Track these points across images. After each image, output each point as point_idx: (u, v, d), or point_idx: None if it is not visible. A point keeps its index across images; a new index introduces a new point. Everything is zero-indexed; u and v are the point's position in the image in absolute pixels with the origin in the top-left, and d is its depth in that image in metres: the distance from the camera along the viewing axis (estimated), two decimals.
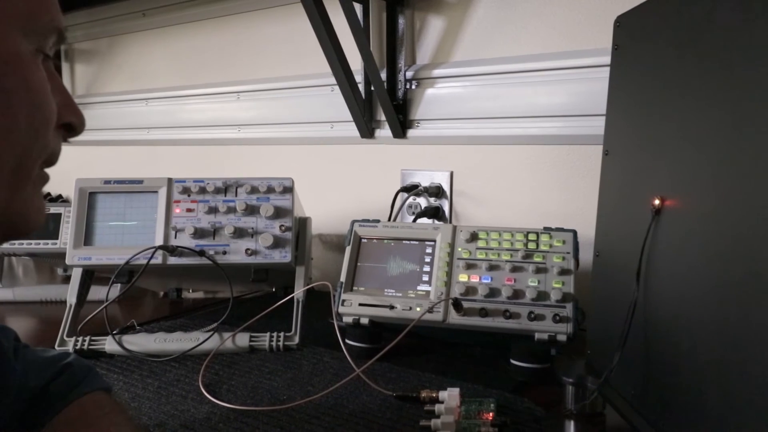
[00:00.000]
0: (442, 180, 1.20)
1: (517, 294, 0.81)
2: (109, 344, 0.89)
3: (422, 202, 1.23)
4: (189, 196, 0.95)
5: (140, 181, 0.95)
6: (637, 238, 0.60)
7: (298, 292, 0.95)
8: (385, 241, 0.91)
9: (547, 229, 0.86)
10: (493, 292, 0.82)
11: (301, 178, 1.07)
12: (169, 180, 0.96)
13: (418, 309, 0.83)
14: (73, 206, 0.94)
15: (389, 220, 1.19)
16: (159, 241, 0.92)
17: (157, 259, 0.91)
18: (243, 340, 0.90)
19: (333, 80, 1.19)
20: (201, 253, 0.92)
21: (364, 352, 0.85)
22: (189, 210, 0.94)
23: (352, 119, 1.24)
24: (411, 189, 1.21)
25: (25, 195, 0.40)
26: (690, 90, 0.54)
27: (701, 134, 0.52)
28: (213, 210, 0.94)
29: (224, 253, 0.93)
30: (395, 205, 1.21)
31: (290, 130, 1.40)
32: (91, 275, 0.98)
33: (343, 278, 0.89)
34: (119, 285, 0.94)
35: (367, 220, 0.93)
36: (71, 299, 0.94)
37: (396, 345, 0.75)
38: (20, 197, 0.39)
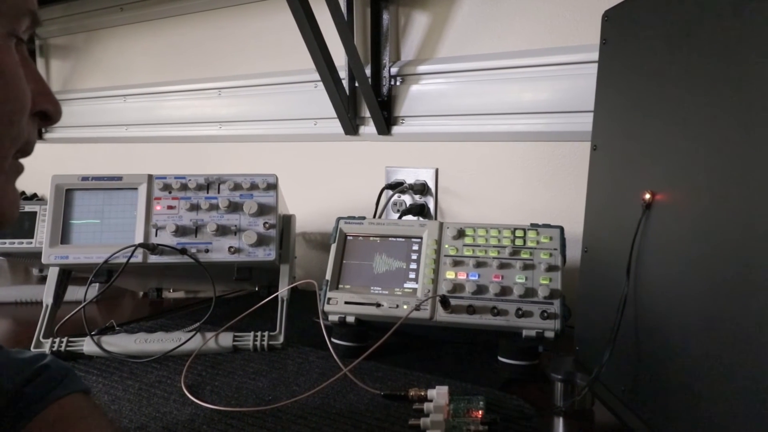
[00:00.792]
0: (428, 177, 1.19)
1: (504, 291, 0.81)
2: (87, 345, 0.86)
3: (407, 199, 1.22)
4: (170, 193, 0.93)
5: (119, 178, 0.93)
6: (627, 233, 0.60)
7: (283, 290, 0.93)
8: (371, 238, 0.90)
9: (534, 226, 0.85)
10: (480, 289, 0.81)
11: (285, 176, 1.05)
12: (150, 176, 0.93)
13: (405, 307, 0.82)
14: (49, 203, 0.91)
15: (374, 218, 1.18)
16: (139, 239, 0.90)
17: (137, 258, 0.89)
18: (226, 340, 0.88)
19: (317, 76, 1.18)
20: (183, 252, 0.90)
21: (351, 351, 0.83)
22: (170, 207, 0.92)
23: (336, 116, 1.23)
24: (396, 186, 1.20)
25: None
26: (679, 83, 0.54)
27: (691, 128, 0.52)
28: (195, 207, 0.92)
29: (206, 251, 0.91)
30: (380, 203, 1.20)
31: (273, 127, 1.38)
32: (69, 275, 0.95)
33: (328, 276, 0.87)
34: (98, 285, 0.92)
35: (353, 217, 0.92)
36: (48, 299, 0.92)
37: (383, 343, 0.74)
38: None
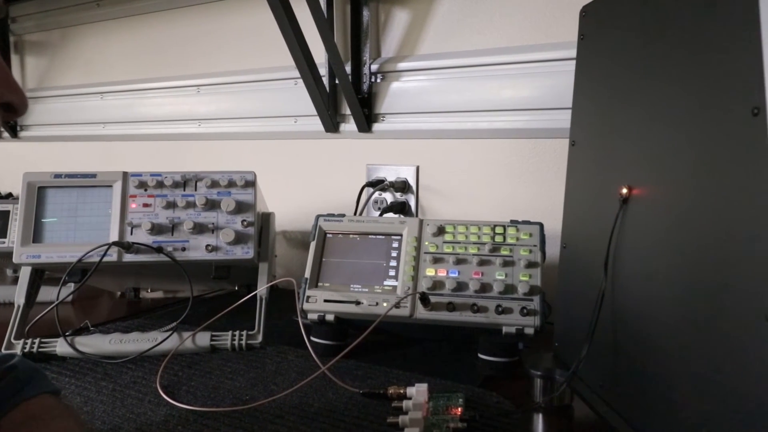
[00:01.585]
0: (408, 175, 1.19)
1: (484, 287, 0.80)
2: (60, 346, 0.84)
3: (388, 197, 1.21)
4: (146, 190, 0.91)
5: (93, 175, 0.91)
6: (605, 228, 0.60)
7: (261, 289, 0.92)
8: (351, 236, 0.89)
9: (514, 222, 0.85)
10: (460, 286, 0.81)
11: (265, 173, 1.04)
12: (125, 174, 0.91)
13: (384, 304, 0.82)
14: (20, 201, 0.89)
15: (355, 215, 1.17)
16: (114, 237, 0.88)
17: (112, 257, 0.87)
18: (204, 339, 0.87)
19: (296, 73, 1.16)
20: (159, 250, 0.88)
21: (330, 350, 0.83)
22: (146, 205, 0.90)
23: (316, 113, 1.22)
24: (376, 184, 1.19)
25: None
26: (656, 78, 0.54)
27: (667, 122, 0.52)
28: (171, 205, 0.91)
29: (183, 249, 0.89)
30: (360, 201, 1.19)
31: (253, 125, 1.37)
32: (41, 274, 0.93)
33: (307, 274, 0.86)
34: (72, 285, 0.90)
35: (333, 215, 0.91)
36: (19, 300, 0.89)
37: (363, 341, 0.74)
38: None
